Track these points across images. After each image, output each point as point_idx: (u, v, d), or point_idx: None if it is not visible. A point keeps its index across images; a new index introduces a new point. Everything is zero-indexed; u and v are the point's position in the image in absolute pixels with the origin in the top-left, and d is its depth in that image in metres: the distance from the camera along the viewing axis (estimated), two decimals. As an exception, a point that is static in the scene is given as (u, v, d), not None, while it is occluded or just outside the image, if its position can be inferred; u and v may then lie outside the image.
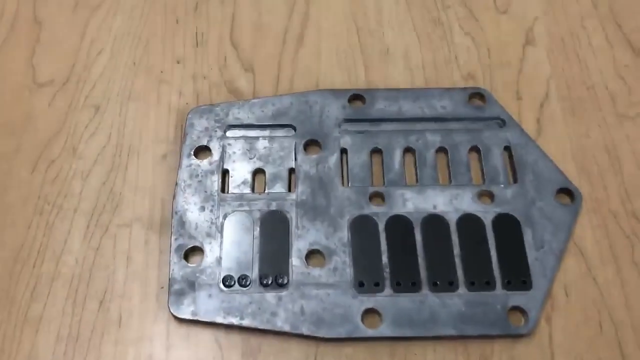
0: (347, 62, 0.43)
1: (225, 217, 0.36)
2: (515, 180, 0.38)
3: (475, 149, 0.39)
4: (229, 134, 0.39)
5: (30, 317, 0.33)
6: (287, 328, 0.33)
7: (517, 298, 0.34)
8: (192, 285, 0.34)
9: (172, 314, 0.33)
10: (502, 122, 0.40)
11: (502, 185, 0.37)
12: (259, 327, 0.33)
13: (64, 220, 0.36)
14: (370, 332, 0.33)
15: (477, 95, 0.41)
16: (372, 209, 0.36)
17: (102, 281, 0.35)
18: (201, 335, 0.33)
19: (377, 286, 0.34)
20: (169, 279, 0.34)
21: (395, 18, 0.45)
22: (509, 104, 0.41)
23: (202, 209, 0.36)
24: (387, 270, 0.34)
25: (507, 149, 0.39)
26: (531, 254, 0.35)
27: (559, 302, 0.34)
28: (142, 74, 0.42)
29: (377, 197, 0.37)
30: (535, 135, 0.40)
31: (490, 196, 0.37)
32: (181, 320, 0.33)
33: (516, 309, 0.34)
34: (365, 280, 0.34)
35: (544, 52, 0.43)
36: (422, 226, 0.36)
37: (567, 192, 0.37)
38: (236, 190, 0.37)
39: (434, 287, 0.34)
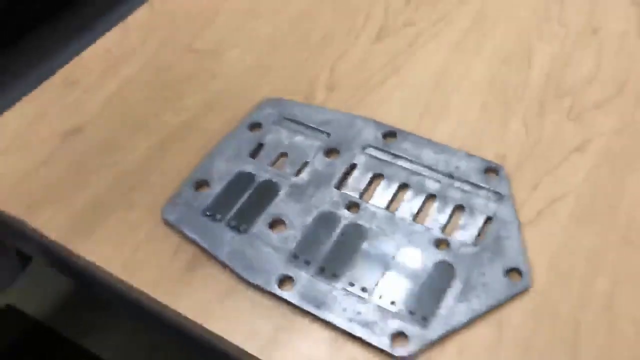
0: (412, 105, 0.49)
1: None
2: (476, 244, 0.40)
3: (461, 207, 0.42)
4: (284, 123, 0.48)
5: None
6: (226, 260, 0.40)
7: (409, 328, 0.36)
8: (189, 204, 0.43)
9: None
10: (500, 196, 0.42)
11: (461, 241, 0.40)
12: (207, 249, 0.41)
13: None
14: (279, 292, 0.39)
15: (493, 170, 0.44)
16: (344, 212, 0.42)
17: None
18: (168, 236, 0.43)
19: (307, 264, 0.40)
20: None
21: (471, 86, 0.50)
22: (520, 189, 0.43)
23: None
24: (322, 257, 0.40)
25: (490, 218, 0.41)
26: (448, 302, 0.37)
27: (446, 353, 0.36)
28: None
29: (354, 206, 0.43)
30: (526, 222, 0.41)
31: (447, 244, 0.40)
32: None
33: (402, 335, 0.36)
34: (301, 255, 0.40)
35: (589, 163, 0.44)
36: (371, 240, 0.40)
37: (519, 273, 0.38)
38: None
39: (349, 286, 0.38)
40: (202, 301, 0.39)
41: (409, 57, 0.53)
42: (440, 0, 0.58)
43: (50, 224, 0.44)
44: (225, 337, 0.38)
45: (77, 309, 1.19)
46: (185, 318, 0.39)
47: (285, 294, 0.39)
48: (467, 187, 0.43)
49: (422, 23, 0.56)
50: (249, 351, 0.37)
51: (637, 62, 0.51)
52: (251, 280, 0.39)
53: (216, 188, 0.44)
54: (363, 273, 0.39)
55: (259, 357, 0.37)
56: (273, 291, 0.39)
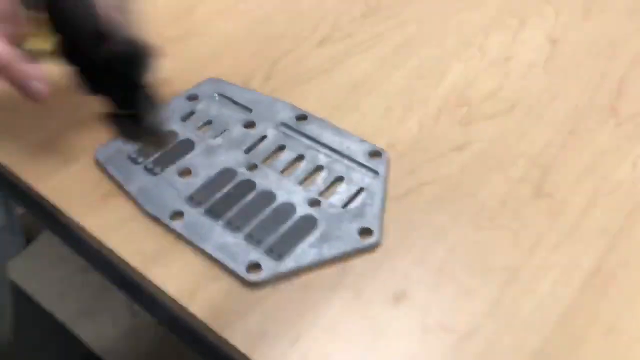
0: (329, 99, 0.57)
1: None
2: (343, 207, 0.47)
3: (341, 178, 0.49)
4: (218, 98, 0.57)
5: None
6: (134, 193, 0.48)
7: (265, 261, 0.43)
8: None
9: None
10: (376, 174, 0.49)
11: (331, 203, 0.47)
12: (121, 183, 0.49)
13: None
14: (169, 222, 0.46)
15: (377, 153, 0.51)
16: (243, 170, 0.50)
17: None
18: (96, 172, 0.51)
19: (198, 204, 0.47)
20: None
21: (383, 93, 0.57)
22: (398, 171, 0.50)
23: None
24: (212, 201, 0.47)
25: (362, 189, 0.48)
26: (304, 246, 0.44)
27: (293, 284, 0.42)
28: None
29: (254, 167, 0.50)
30: (393, 197, 0.48)
31: (319, 204, 0.47)
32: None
33: (257, 265, 0.43)
34: (196, 197, 0.47)
35: (463, 161, 0.51)
36: (257, 193, 0.48)
37: (370, 233, 0.45)
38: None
39: (227, 224, 0.46)
40: (106, 222, 0.47)
41: (339, 63, 0.61)
42: (384, 21, 0.66)
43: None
44: (116, 251, 0.45)
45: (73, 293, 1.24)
46: (90, 235, 0.46)
47: (174, 223, 0.46)
48: (351, 164, 0.50)
49: (361, 36, 0.64)
50: (132, 264, 0.44)
51: (535, 88, 0.57)
52: (149, 211, 0.47)
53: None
54: (241, 216, 0.46)
55: (140, 269, 0.44)
56: (165, 222, 0.46)
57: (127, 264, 0.45)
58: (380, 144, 0.52)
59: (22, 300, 1.22)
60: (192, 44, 0.63)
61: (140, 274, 0.44)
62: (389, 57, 0.62)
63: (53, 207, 0.49)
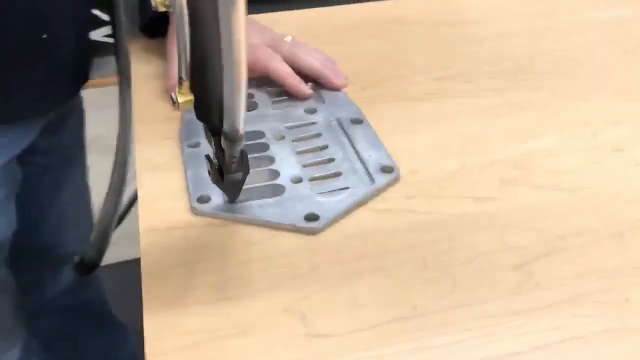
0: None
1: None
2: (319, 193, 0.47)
3: (339, 173, 0.50)
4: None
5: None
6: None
7: (215, 195, 0.46)
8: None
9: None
10: (372, 183, 0.48)
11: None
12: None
13: None
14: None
15: (389, 169, 0.49)
16: (270, 137, 0.54)
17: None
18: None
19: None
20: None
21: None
22: (397, 194, 0.48)
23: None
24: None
25: (346, 188, 0.47)
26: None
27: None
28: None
29: (281, 139, 0.53)
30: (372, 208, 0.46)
31: (299, 181, 0.48)
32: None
33: (207, 198, 0.46)
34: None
35: (477, 213, 0.46)
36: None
37: (315, 219, 0.44)
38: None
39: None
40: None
41: (438, 98, 0.60)
42: (507, 81, 0.63)
43: None
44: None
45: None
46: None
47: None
48: (359, 168, 0.50)
49: (479, 86, 0.62)
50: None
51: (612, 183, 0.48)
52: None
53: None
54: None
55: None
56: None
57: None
58: (405, 166, 0.50)
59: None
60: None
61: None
62: (487, 109, 0.58)
63: None
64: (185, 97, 0.39)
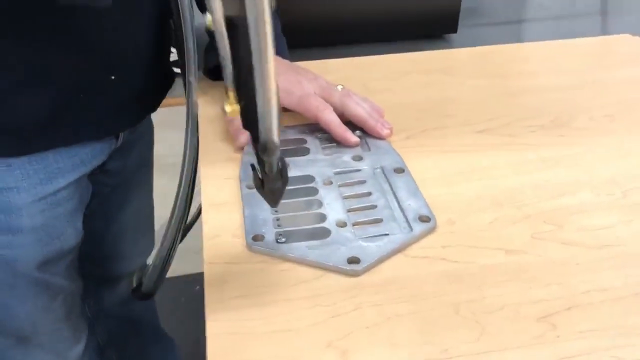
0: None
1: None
2: (361, 238, 0.51)
3: (380, 220, 0.54)
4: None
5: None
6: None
7: (269, 233, 0.51)
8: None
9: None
10: (410, 231, 0.53)
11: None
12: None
13: None
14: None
15: (427, 218, 0.54)
16: (319, 181, 0.59)
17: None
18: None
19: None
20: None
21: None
22: (434, 242, 0.52)
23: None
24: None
25: (386, 235, 0.52)
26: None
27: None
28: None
29: (329, 184, 0.58)
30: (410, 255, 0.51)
31: (344, 226, 0.53)
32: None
33: (261, 237, 0.51)
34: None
35: (506, 263, 0.50)
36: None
37: (356, 262, 0.49)
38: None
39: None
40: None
41: (480, 147, 0.64)
42: (551, 135, 0.66)
43: None
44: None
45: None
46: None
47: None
48: (399, 216, 0.55)
49: (518, 140, 0.66)
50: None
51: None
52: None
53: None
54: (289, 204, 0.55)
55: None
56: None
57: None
58: (442, 215, 0.55)
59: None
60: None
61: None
62: (524, 163, 0.62)
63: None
64: (232, 107, 0.42)
